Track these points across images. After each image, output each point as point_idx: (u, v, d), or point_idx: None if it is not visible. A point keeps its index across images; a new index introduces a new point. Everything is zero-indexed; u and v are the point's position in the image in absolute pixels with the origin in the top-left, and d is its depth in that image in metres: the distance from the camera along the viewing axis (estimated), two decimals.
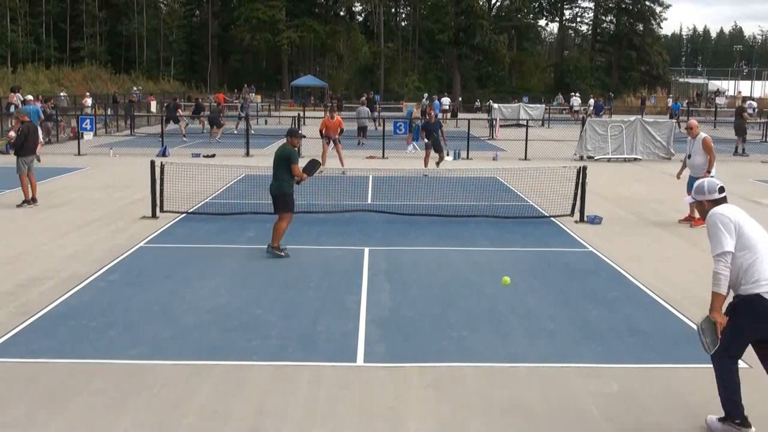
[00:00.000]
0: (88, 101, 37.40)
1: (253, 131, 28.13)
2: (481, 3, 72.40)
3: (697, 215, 12.83)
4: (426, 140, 19.51)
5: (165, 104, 38.49)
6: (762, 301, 4.82)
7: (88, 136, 26.91)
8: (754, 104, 39.46)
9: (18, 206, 13.63)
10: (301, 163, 10.45)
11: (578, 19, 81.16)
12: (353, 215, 13.04)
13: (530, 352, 6.60)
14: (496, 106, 38.09)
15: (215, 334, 6.98)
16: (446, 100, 47.47)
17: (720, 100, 59.27)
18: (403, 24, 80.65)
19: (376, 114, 37.67)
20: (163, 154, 22.54)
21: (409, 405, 5.51)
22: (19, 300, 7.96)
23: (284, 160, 10.04)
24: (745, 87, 73.88)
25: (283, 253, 9.99)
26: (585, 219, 12.85)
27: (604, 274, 9.47)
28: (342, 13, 78.38)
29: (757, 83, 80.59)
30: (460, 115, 44.98)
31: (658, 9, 75.13)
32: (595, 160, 23.14)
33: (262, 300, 8.07)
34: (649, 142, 24.24)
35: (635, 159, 23.81)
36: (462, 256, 10.33)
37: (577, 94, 53.39)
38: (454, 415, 5.35)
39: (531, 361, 6.39)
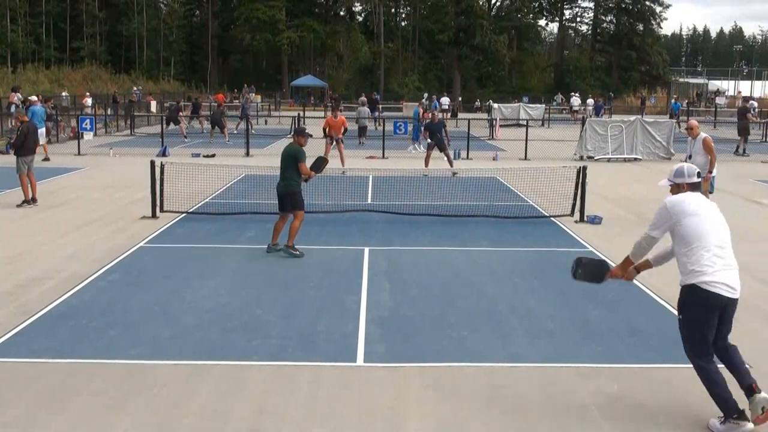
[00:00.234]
0: (88, 101, 37.42)
1: (253, 131, 28.15)
2: (481, 3, 72.38)
3: None
4: (429, 140, 19.53)
5: (166, 106, 38.50)
6: (698, 290, 5.02)
7: (88, 136, 26.92)
8: (755, 104, 39.43)
9: (18, 206, 13.63)
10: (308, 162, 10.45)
11: (578, 19, 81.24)
12: (353, 215, 13.04)
13: (530, 352, 6.60)
14: (496, 106, 38.10)
15: (215, 334, 6.98)
16: (445, 100, 47.49)
17: (720, 100, 59.28)
18: (403, 24, 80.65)
19: (377, 114, 37.68)
20: (163, 154, 22.53)
21: (409, 405, 5.50)
22: (19, 300, 7.96)
23: (292, 159, 10.05)
24: (745, 87, 73.87)
25: (298, 253, 9.99)
26: (585, 219, 12.85)
27: None
28: (342, 13, 78.40)
29: (757, 83, 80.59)
30: (460, 115, 44.98)
31: (658, 9, 75.13)
32: (595, 160, 23.14)
33: (262, 300, 8.07)
34: (649, 142, 24.24)
35: (635, 159, 23.82)
36: (462, 256, 10.33)
37: (577, 94, 53.39)
38: (454, 415, 5.35)
39: (531, 361, 6.39)
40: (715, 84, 77.73)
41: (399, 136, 27.55)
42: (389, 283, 8.79)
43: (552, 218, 13.10)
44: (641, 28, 74.98)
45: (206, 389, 5.73)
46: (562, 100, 59.25)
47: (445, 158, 19.69)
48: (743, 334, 7.18)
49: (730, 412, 5.04)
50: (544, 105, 46.68)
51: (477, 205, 14.14)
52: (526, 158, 23.68)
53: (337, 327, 7.19)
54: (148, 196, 13.09)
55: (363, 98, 34.68)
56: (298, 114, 26.92)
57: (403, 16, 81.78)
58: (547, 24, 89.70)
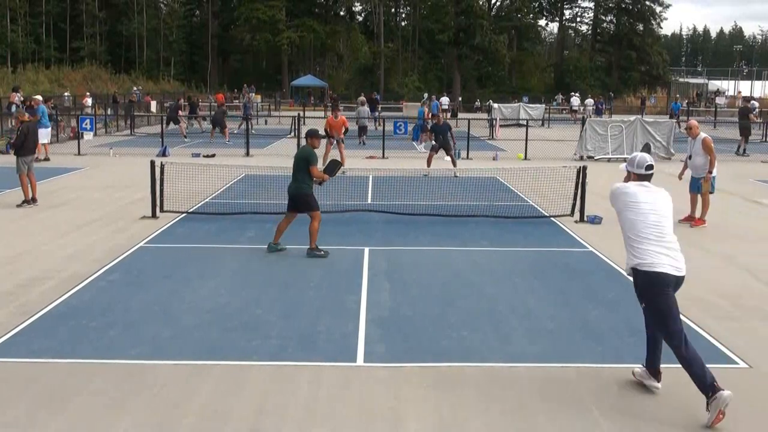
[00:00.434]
0: (88, 101, 37.43)
1: (253, 131, 28.14)
2: (481, 3, 72.39)
3: (697, 215, 12.83)
4: (434, 142, 19.58)
5: (166, 106, 38.51)
6: (643, 274, 5.44)
7: (88, 136, 26.92)
8: (757, 104, 39.42)
9: (18, 206, 13.63)
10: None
11: (578, 19, 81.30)
12: (353, 215, 13.04)
13: (530, 352, 6.59)
14: (496, 106, 38.11)
15: (215, 334, 6.98)
16: (445, 100, 47.50)
17: (720, 100, 59.28)
18: (403, 24, 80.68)
19: (376, 114, 37.69)
20: (163, 154, 22.54)
21: (409, 405, 5.50)
22: (19, 300, 7.96)
23: (303, 161, 10.04)
24: (745, 87, 73.93)
25: (322, 253, 9.98)
26: (585, 219, 12.85)
27: (604, 274, 9.46)
28: (342, 13, 78.43)
29: (757, 83, 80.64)
30: (460, 115, 44.99)
31: (658, 9, 75.19)
32: (595, 160, 23.14)
33: (262, 300, 8.07)
34: (649, 142, 24.21)
35: None
36: (462, 256, 10.33)
37: (577, 94, 53.40)
38: (454, 415, 5.35)
39: (531, 361, 6.39)
40: (715, 84, 77.77)
41: (399, 136, 27.57)
42: (389, 283, 8.79)
43: (552, 218, 13.10)
44: (641, 28, 75.02)
45: (206, 389, 5.73)
46: (562, 100, 59.26)
47: (449, 159, 19.78)
48: (743, 333, 7.19)
49: (709, 389, 5.19)
50: (544, 105, 46.69)
51: (477, 205, 14.14)
52: (526, 158, 23.68)
53: (337, 327, 7.18)
54: (148, 196, 13.09)
55: (362, 98, 34.70)
56: (298, 114, 26.88)
57: (403, 16, 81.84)
58: (547, 24, 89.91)
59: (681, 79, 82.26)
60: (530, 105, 43.68)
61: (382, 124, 29.64)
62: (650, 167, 5.71)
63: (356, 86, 66.76)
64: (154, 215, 12.68)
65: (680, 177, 13.53)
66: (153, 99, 45.06)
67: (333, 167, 10.51)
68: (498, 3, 77.28)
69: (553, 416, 5.35)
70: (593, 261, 10.14)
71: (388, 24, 75.88)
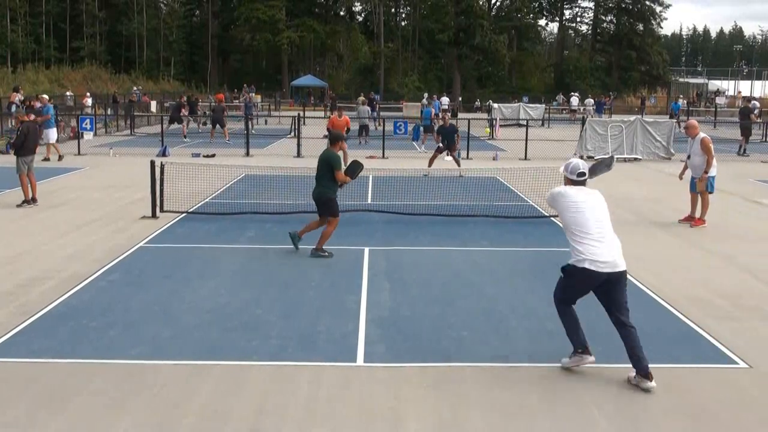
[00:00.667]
0: (88, 101, 37.43)
1: (253, 131, 28.14)
2: (481, 3, 72.42)
3: (697, 215, 12.84)
4: (440, 144, 19.66)
5: (167, 106, 38.50)
6: (576, 270, 5.96)
7: (88, 136, 26.92)
8: (758, 104, 39.42)
9: (18, 206, 13.62)
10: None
11: (578, 19, 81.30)
12: (353, 215, 13.03)
13: (530, 352, 6.60)
14: (496, 106, 38.11)
15: (215, 334, 6.98)
16: (445, 100, 47.52)
17: (720, 100, 59.27)
18: (403, 24, 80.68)
19: (375, 114, 37.72)
20: (163, 154, 22.53)
21: (409, 405, 5.50)
22: (19, 300, 7.96)
23: (327, 166, 10.04)
24: (745, 87, 73.94)
25: (326, 254, 9.99)
26: None
27: None
28: (342, 13, 78.44)
29: (757, 83, 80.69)
30: (460, 115, 45.00)
31: (658, 9, 75.18)
32: (596, 159, 23.13)
33: (262, 300, 8.07)
34: (649, 142, 24.25)
35: (635, 159, 23.81)
36: (462, 256, 10.33)
37: (577, 93, 53.40)
38: (454, 415, 5.35)
39: (531, 361, 6.39)
40: (715, 84, 77.81)
41: (399, 136, 27.58)
42: (389, 283, 8.79)
43: (552, 218, 13.08)
44: (641, 28, 75.02)
45: (206, 389, 5.73)
46: (562, 100, 59.28)
47: (450, 159, 19.80)
48: (743, 333, 7.19)
49: (578, 346, 6.07)
50: (544, 105, 46.70)
51: (477, 205, 14.13)
52: (526, 158, 23.69)
53: (337, 327, 7.18)
54: (148, 196, 13.09)
55: (362, 98, 34.73)
56: (298, 114, 26.89)
57: (403, 16, 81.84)
58: (547, 24, 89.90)
59: (681, 79, 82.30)
60: (530, 105, 43.70)
61: (382, 124, 29.65)
62: (582, 174, 6.11)
63: (356, 86, 66.78)
64: (154, 215, 12.68)
65: (681, 177, 13.53)
66: (152, 99, 45.04)
67: (354, 169, 10.47)
68: (498, 3, 77.36)
69: (553, 416, 5.35)
70: None
71: (388, 24, 75.88)
